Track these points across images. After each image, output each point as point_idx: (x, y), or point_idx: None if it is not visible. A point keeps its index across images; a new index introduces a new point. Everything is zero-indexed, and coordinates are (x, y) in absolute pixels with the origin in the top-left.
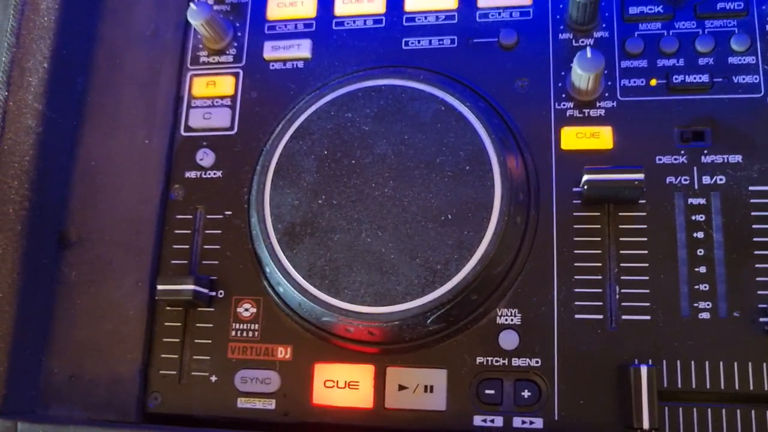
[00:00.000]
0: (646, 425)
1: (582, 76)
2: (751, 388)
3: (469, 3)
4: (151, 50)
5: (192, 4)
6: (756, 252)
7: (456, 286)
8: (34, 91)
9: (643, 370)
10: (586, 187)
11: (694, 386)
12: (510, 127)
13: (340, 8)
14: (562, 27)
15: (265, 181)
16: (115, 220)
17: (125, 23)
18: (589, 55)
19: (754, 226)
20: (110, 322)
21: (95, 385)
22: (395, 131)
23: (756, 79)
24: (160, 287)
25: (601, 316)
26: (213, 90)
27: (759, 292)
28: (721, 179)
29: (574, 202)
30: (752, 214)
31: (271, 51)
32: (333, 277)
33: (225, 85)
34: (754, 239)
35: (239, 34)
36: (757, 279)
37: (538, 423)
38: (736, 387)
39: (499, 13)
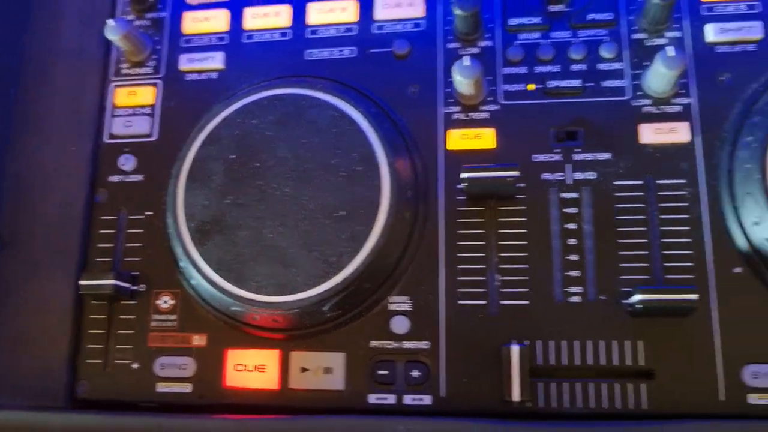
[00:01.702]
0: (516, 397)
1: (461, 82)
2: (615, 363)
3: (367, 16)
4: (77, 63)
5: (109, 21)
6: (620, 241)
7: (349, 276)
8: None
9: (514, 348)
10: (465, 183)
11: (564, 363)
12: (400, 131)
13: (250, 22)
14: (450, 37)
15: (178, 184)
16: (45, 223)
17: (53, 38)
18: (465, 63)
19: (618, 218)
20: (40, 317)
21: (27, 375)
22: (295, 136)
23: (622, 83)
24: (82, 282)
25: (483, 302)
26: (134, 99)
27: (622, 277)
28: (591, 175)
29: (459, 198)
30: (617, 206)
31: (187, 63)
32: (239, 270)
33: (145, 94)
34: (619, 229)
35: (158, 47)
36: (621, 265)
37: (427, 400)
38: (602, 362)
39: (394, 25)
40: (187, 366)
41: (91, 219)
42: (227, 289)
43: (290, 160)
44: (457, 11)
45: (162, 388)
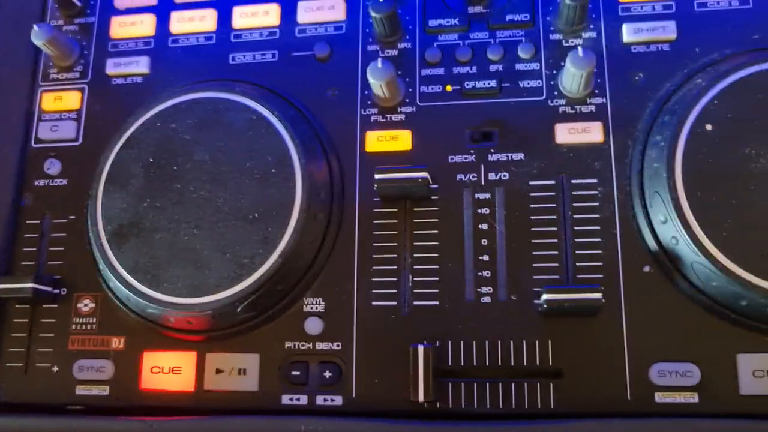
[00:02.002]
0: (421, 398)
1: (375, 84)
2: (524, 363)
3: (290, 19)
4: (6, 67)
5: (35, 26)
6: (533, 241)
7: (260, 278)
8: None
9: (420, 349)
10: (376, 185)
11: (474, 363)
12: (317, 133)
13: (176, 26)
14: (370, 39)
15: (98, 187)
16: None
17: None
18: (378, 65)
19: (531, 217)
20: None
21: None
22: (212, 139)
23: (539, 83)
24: (0, 286)
25: (395, 303)
26: (60, 104)
27: (534, 277)
28: (504, 175)
29: (375, 200)
30: (531, 206)
31: (114, 67)
32: (155, 272)
33: (71, 99)
34: (532, 229)
35: (86, 51)
36: (533, 265)
37: (338, 400)
38: (512, 362)
39: (316, 28)
40: (105, 369)
41: (17, 223)
42: (143, 291)
43: (207, 163)
44: (373, 14)
45: (81, 390)
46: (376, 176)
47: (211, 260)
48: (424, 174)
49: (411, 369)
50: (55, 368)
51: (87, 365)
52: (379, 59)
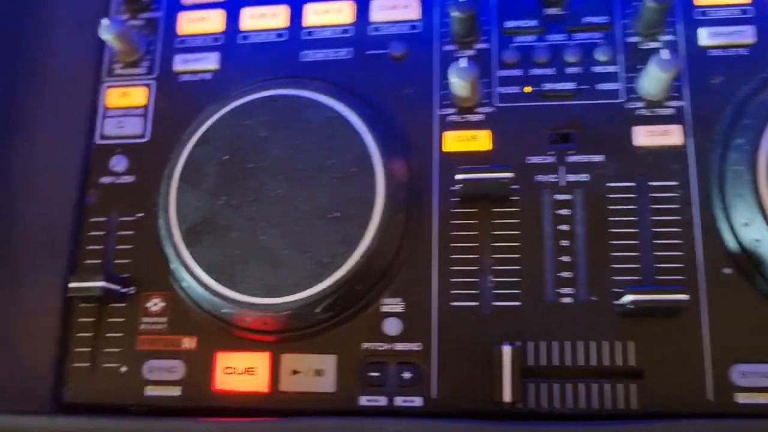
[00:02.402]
0: (507, 398)
1: (457, 84)
2: (606, 363)
3: (363, 17)
4: (70, 63)
5: (103, 20)
6: (611, 242)
7: (341, 278)
8: None
9: (506, 349)
10: (460, 185)
11: (556, 363)
12: (395, 132)
13: (246, 23)
14: (446, 39)
15: (170, 185)
16: (34, 224)
17: (46, 37)
18: (462, 65)
19: (611, 219)
20: (27, 319)
21: (11, 379)
22: (289, 137)
23: (616, 86)
24: (71, 285)
25: (475, 303)
26: (126, 100)
27: (613, 278)
28: (584, 177)
29: (454, 200)
30: (609, 207)
31: (181, 63)
32: (230, 272)
33: (138, 95)
34: (610, 230)
35: (152, 47)
36: (612, 266)
37: (418, 401)
38: (593, 363)
39: (390, 27)
40: (176, 369)
41: (81, 221)
42: (218, 290)
43: (284, 161)
44: (454, 13)
45: (150, 391)
46: (459, 176)
47: (289, 259)
48: (509, 174)
49: (495, 369)
50: (123, 368)
51: (158, 365)
52: (463, 59)
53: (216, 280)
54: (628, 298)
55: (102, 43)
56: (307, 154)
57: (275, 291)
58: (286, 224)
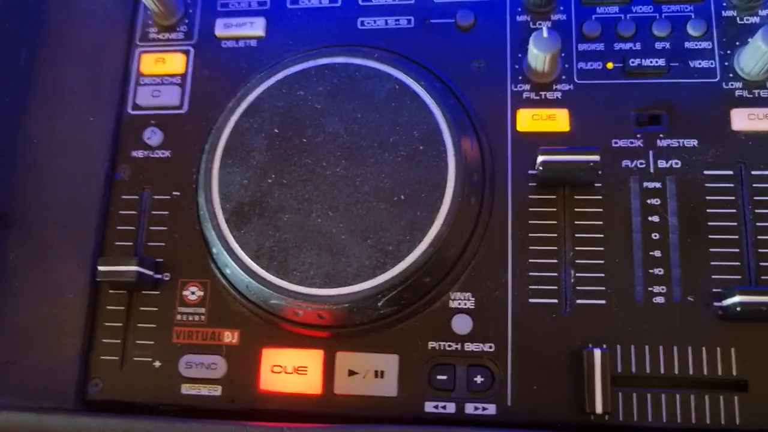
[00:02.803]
0: (599, 409)
1: (538, 56)
2: (705, 372)
3: None
4: (99, 26)
5: None
6: (710, 236)
7: (408, 268)
8: None
9: (597, 353)
10: (541, 168)
11: (648, 371)
12: (465, 108)
13: None
14: (519, 9)
15: (213, 160)
16: (58, 201)
17: None
18: (545, 35)
19: (708, 210)
20: (50, 306)
21: (33, 371)
22: (348, 110)
23: (712, 63)
24: (101, 268)
25: (555, 300)
26: (162, 67)
27: (713, 276)
28: (676, 163)
29: (530, 184)
30: (706, 198)
31: (224, 28)
32: (282, 259)
33: (175, 62)
34: (708, 223)
35: (191, 10)
36: (711, 263)
37: (491, 409)
38: (690, 372)
39: None
40: (217, 366)
41: (111, 198)
42: (267, 279)
43: (342, 137)
44: None
45: (188, 390)
46: (541, 158)
47: (348, 246)
48: (596, 157)
49: (586, 376)
50: (157, 363)
51: (196, 361)
52: (544, 28)
53: (264, 267)
54: (734, 300)
55: (135, 4)
56: (369, 129)
57: (332, 281)
58: (345, 207)
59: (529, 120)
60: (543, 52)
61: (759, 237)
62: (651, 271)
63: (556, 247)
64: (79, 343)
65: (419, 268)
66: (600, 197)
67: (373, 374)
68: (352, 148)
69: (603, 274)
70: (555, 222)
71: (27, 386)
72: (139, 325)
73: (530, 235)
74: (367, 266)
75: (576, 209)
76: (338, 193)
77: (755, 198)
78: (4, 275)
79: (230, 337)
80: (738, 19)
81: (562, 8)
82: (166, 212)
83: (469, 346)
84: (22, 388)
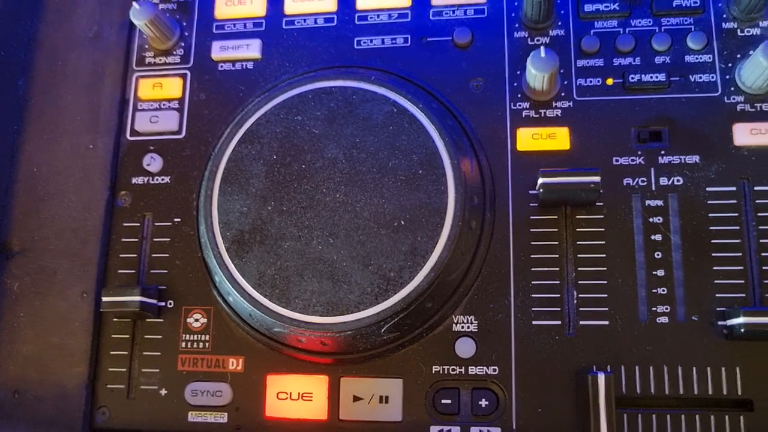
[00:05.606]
0: None
1: (536, 75)
2: (710, 392)
3: (423, 1)
4: (95, 51)
5: (135, 3)
6: (714, 254)
7: (410, 294)
8: None
9: (601, 378)
10: (542, 190)
11: (652, 392)
12: (464, 129)
13: (291, 7)
14: (517, 25)
15: (212, 188)
16: (60, 229)
17: (67, 24)
18: (542, 54)
19: (711, 228)
20: (55, 335)
21: (40, 401)
22: (346, 134)
23: (713, 77)
24: (105, 299)
25: (558, 322)
26: (160, 92)
27: (717, 295)
28: (678, 180)
29: (531, 204)
30: (710, 215)
31: (220, 51)
32: (283, 286)
33: (172, 86)
34: (712, 241)
35: (186, 33)
36: (715, 282)
37: None
38: (695, 392)
39: (453, 11)
40: (222, 393)
41: (112, 226)
42: (269, 307)
43: (341, 162)
44: None
45: (194, 417)
46: (542, 180)
47: (350, 273)
48: (597, 178)
49: (591, 400)
50: (164, 391)
51: (202, 389)
52: (542, 48)
53: (266, 296)
54: (738, 321)
55: (131, 29)
56: (368, 153)
57: (335, 309)
58: (346, 233)
59: (529, 139)
60: (541, 72)
61: (763, 254)
62: (654, 290)
63: (558, 268)
64: (86, 371)
65: (421, 294)
66: (602, 216)
67: (378, 399)
68: (352, 174)
69: (606, 295)
70: (557, 242)
71: (35, 416)
72: (145, 353)
73: (532, 256)
74: (369, 293)
75: (578, 229)
76: (338, 219)
77: (759, 214)
78: (9, 305)
79: (235, 364)
80: (738, 31)
81: (560, 23)
82: (168, 239)
83: (473, 370)
84: (31, 418)
